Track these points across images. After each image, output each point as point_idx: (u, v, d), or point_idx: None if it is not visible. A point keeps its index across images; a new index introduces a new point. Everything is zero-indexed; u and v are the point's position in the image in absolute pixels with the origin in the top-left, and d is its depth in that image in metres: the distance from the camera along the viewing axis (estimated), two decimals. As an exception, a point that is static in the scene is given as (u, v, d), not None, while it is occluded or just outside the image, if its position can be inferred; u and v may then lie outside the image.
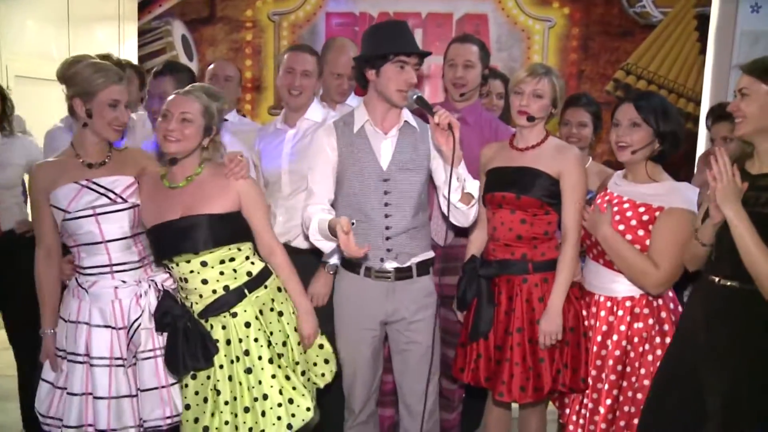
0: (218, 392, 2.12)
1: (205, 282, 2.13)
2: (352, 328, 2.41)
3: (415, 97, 2.19)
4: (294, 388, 2.17)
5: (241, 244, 2.18)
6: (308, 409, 2.17)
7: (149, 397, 2.16)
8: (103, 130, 2.14)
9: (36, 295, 2.23)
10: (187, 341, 2.10)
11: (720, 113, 2.85)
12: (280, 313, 2.24)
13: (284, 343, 2.22)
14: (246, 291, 2.17)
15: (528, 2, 3.68)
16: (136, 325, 2.12)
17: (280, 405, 2.14)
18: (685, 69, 3.70)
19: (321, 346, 2.36)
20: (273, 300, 2.24)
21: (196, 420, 2.14)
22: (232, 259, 2.16)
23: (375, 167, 2.30)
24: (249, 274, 2.19)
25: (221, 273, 2.15)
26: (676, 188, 2.20)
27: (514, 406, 2.65)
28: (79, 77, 2.10)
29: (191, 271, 2.13)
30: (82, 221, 2.12)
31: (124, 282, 2.17)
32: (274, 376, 2.15)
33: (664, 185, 2.22)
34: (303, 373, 2.26)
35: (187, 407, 2.15)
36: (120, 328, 2.14)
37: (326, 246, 2.28)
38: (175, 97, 2.14)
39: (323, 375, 2.36)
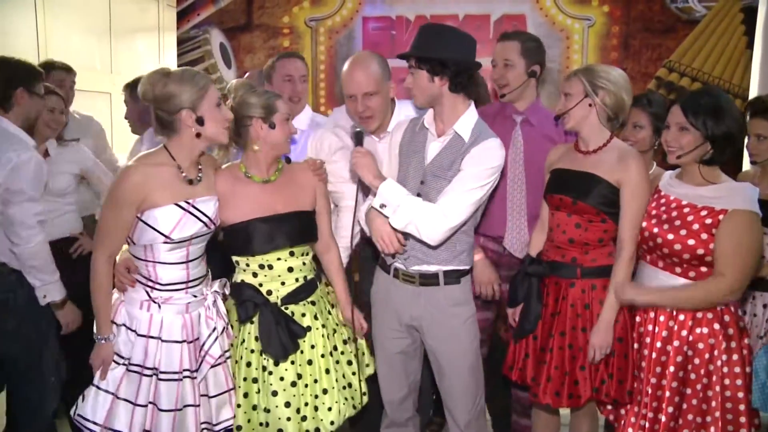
0: (300, 376, 2.23)
1: (290, 270, 2.26)
2: (380, 326, 2.46)
3: (353, 132, 2.32)
4: (354, 374, 2.37)
5: (315, 241, 2.37)
6: (364, 394, 2.37)
7: (219, 401, 2.21)
8: (218, 135, 2.13)
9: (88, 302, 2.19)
10: (278, 326, 2.18)
11: (758, 108, 2.74)
12: (333, 305, 2.42)
13: (334, 331, 2.37)
14: (318, 282, 2.34)
15: (567, 1, 3.62)
16: (213, 337, 2.15)
17: (345, 387, 2.32)
18: (731, 64, 3.60)
19: (360, 350, 2.48)
20: (329, 293, 2.42)
21: (287, 404, 2.21)
22: (308, 253, 2.32)
23: (419, 166, 2.32)
24: (314, 269, 2.37)
25: (303, 264, 2.29)
26: (736, 189, 2.12)
27: (564, 411, 2.62)
28: (178, 90, 2.05)
29: (278, 259, 2.25)
30: (178, 245, 2.13)
31: (195, 297, 2.19)
32: (338, 362, 2.33)
33: (724, 186, 2.14)
34: (349, 363, 2.40)
35: (274, 394, 2.20)
36: (190, 342, 2.16)
37: (366, 228, 2.37)
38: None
39: (367, 366, 2.50)
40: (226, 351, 2.24)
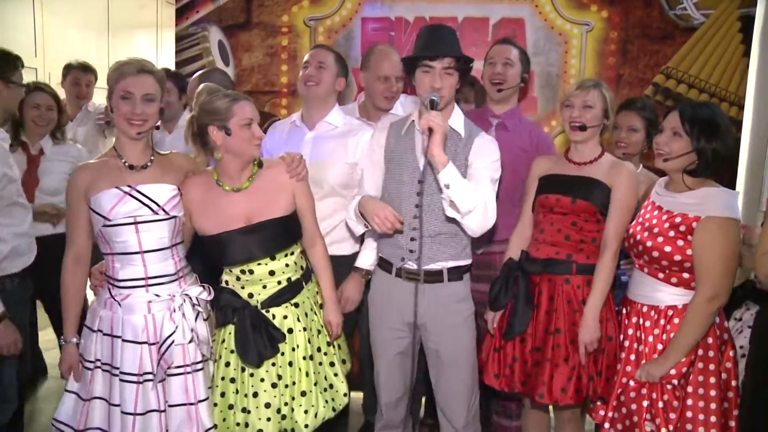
0: (279, 377, 2.20)
1: (272, 273, 2.22)
2: (381, 327, 2.46)
3: (428, 100, 2.18)
4: (336, 375, 2.33)
5: (299, 240, 2.33)
6: (345, 395, 2.34)
7: (177, 412, 2.14)
8: (119, 125, 2.14)
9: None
10: (255, 331, 2.15)
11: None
12: (321, 306, 2.39)
13: (319, 332, 2.35)
14: (303, 283, 2.29)
15: (565, 6, 3.63)
16: (170, 341, 2.09)
17: (325, 390, 2.28)
18: (728, 72, 3.61)
19: (338, 346, 2.46)
20: (317, 293, 2.38)
21: (267, 405, 2.19)
22: (292, 253, 2.27)
23: (413, 167, 2.32)
24: (302, 268, 2.32)
25: (286, 265, 2.24)
26: (711, 195, 2.13)
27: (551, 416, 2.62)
28: (109, 78, 2.13)
29: (259, 264, 2.20)
30: (121, 229, 2.09)
31: (157, 296, 2.13)
32: (321, 364, 2.29)
33: (700, 193, 2.16)
34: (332, 364, 2.37)
35: (255, 395, 2.18)
36: (152, 344, 2.12)
37: (357, 228, 2.39)
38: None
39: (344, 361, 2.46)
40: (197, 362, 2.18)
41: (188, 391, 2.14)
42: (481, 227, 2.19)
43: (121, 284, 2.15)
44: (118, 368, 2.13)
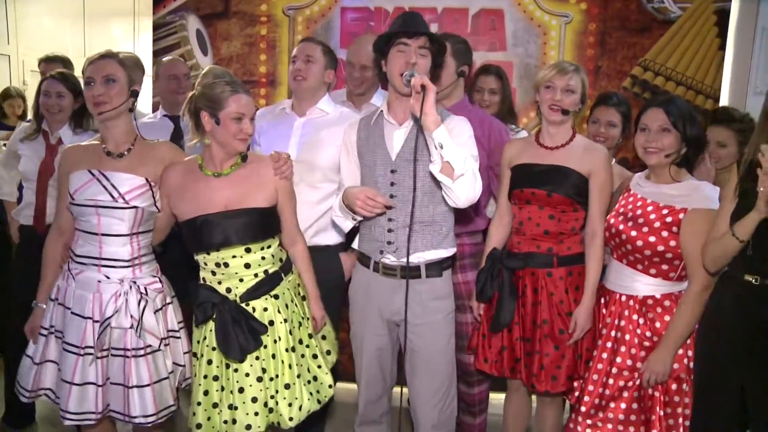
0: (264, 370, 2.19)
1: (248, 266, 2.20)
2: (360, 322, 2.45)
3: (408, 77, 2.13)
4: (319, 367, 2.31)
5: (276, 235, 2.31)
6: (330, 386, 2.31)
7: (114, 390, 2.23)
8: (90, 110, 2.27)
9: None
10: (236, 325, 2.13)
11: (715, 117, 2.84)
12: (303, 297, 2.36)
13: (300, 324, 2.32)
14: (282, 275, 2.27)
15: (545, -3, 3.64)
16: (106, 323, 2.16)
17: (309, 382, 2.26)
18: (704, 65, 3.65)
19: (324, 337, 2.45)
20: (298, 285, 2.35)
21: (254, 399, 2.17)
22: (269, 246, 2.24)
23: (385, 157, 2.31)
24: (281, 260, 2.30)
25: (263, 258, 2.22)
26: (696, 188, 2.21)
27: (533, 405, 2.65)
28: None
29: (234, 256, 2.18)
30: (84, 209, 2.20)
31: (107, 278, 2.21)
32: (303, 356, 2.27)
33: (685, 185, 2.23)
34: (314, 356, 2.33)
35: (241, 390, 2.17)
36: (96, 321, 2.19)
37: (345, 224, 2.37)
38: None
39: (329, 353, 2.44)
40: (139, 348, 2.21)
41: (125, 374, 2.21)
42: (467, 197, 2.11)
43: (78, 259, 2.25)
44: (62, 338, 2.24)
